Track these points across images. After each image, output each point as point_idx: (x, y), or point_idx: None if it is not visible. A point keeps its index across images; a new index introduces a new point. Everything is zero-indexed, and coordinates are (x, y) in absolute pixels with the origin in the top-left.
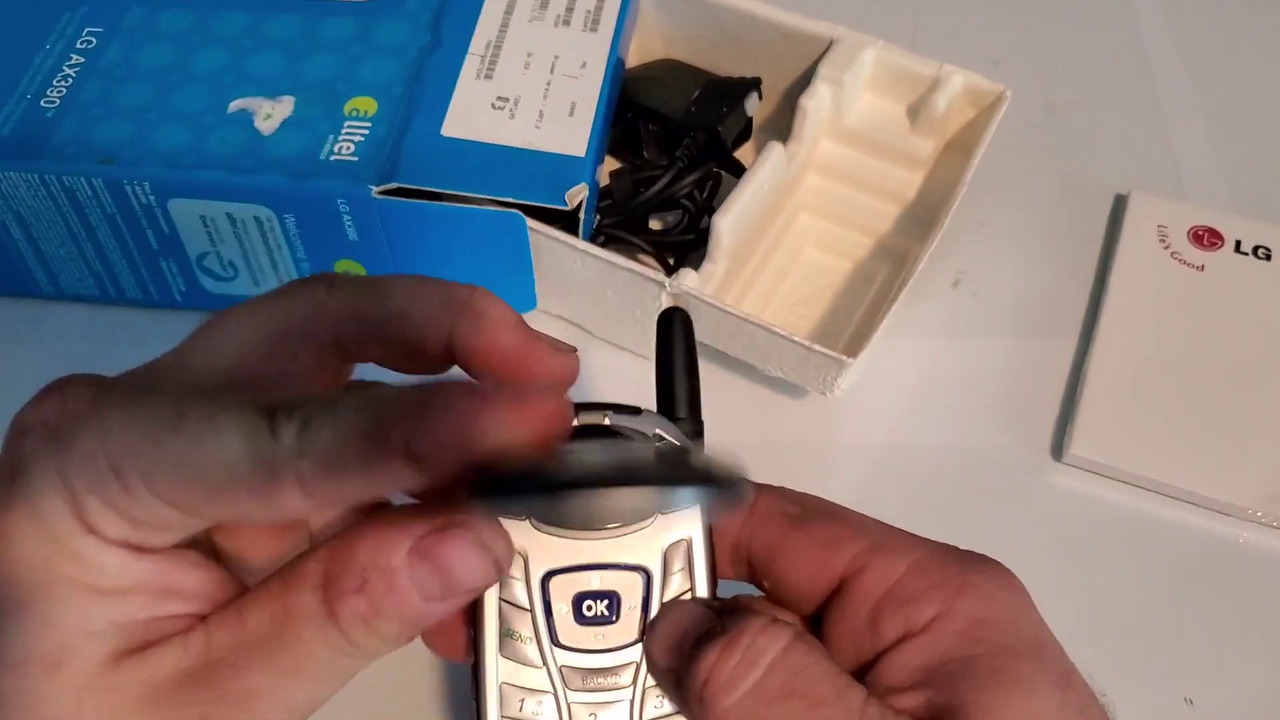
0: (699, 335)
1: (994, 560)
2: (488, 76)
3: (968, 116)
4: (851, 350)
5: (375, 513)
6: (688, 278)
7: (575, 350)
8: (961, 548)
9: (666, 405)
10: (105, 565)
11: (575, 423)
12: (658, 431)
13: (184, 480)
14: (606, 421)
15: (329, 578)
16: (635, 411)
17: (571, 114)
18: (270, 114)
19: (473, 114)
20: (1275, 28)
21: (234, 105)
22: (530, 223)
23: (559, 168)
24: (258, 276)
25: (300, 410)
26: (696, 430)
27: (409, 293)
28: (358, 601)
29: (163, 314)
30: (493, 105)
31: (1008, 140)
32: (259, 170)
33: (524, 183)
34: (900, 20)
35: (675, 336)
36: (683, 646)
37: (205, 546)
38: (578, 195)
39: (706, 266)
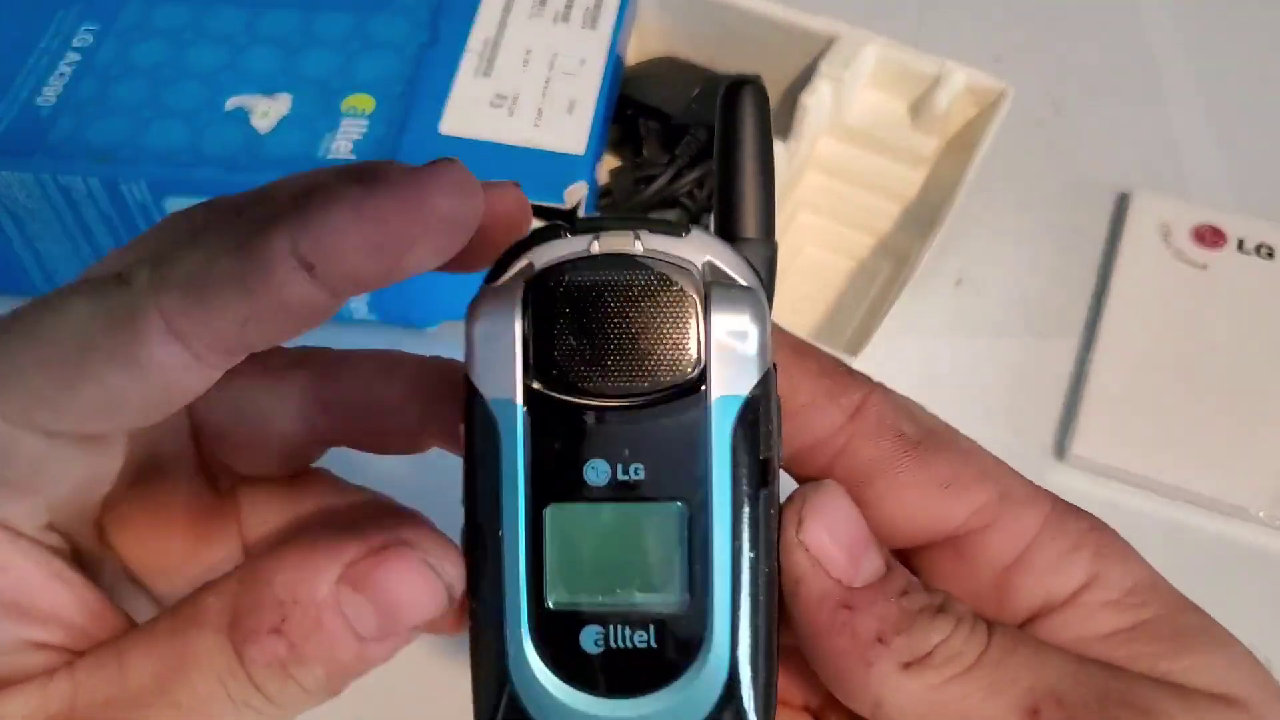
0: None
1: (1097, 517)
2: (486, 74)
3: (970, 114)
4: (853, 348)
5: (298, 536)
6: None
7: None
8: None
9: (728, 219)
10: None
11: (596, 249)
12: (709, 260)
13: (27, 375)
14: (637, 248)
15: (237, 615)
16: (679, 231)
17: (570, 111)
18: (267, 112)
19: (471, 112)
20: (1279, 25)
21: (231, 103)
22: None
23: (557, 166)
24: None
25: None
26: (769, 258)
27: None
28: (274, 644)
29: None
30: (491, 103)
31: (1011, 138)
32: (256, 168)
33: (522, 181)
34: (903, 17)
35: (743, 119)
36: (854, 553)
37: (89, 568)
38: (577, 193)
39: None
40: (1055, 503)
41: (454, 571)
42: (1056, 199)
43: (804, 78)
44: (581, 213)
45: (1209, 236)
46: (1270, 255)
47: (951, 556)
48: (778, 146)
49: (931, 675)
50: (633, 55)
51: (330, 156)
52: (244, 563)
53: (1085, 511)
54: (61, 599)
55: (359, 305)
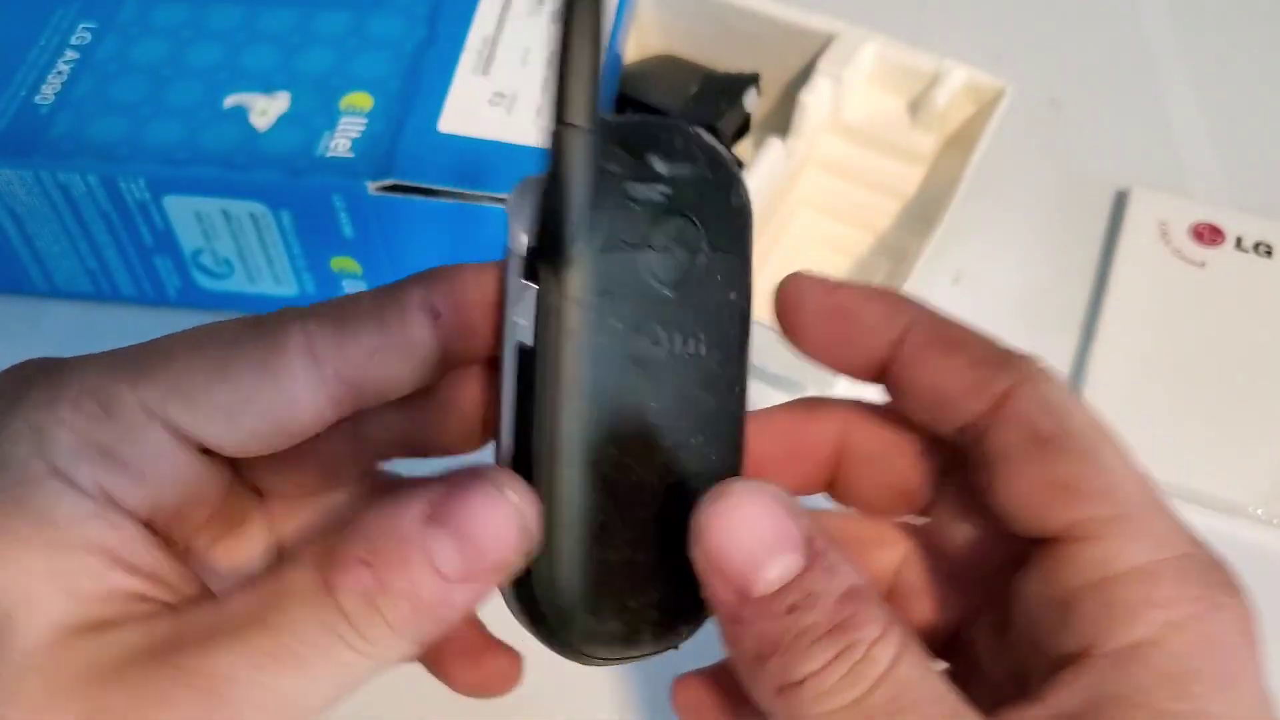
0: None
1: (1237, 590)
2: (484, 72)
3: (968, 112)
4: None
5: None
6: None
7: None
8: (1208, 556)
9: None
10: (66, 516)
11: None
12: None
13: (174, 367)
14: None
15: (329, 551)
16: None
17: None
18: (265, 110)
19: (470, 110)
20: (1278, 24)
21: (229, 101)
22: None
23: None
24: (253, 274)
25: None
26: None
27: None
28: (361, 573)
29: (157, 311)
30: (490, 101)
31: (1009, 136)
32: (254, 166)
33: (520, 178)
34: (903, 14)
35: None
36: (754, 561)
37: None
38: None
39: None
40: (1186, 557)
41: (530, 511)
42: (1055, 196)
43: (803, 76)
44: None
45: (1207, 234)
46: (1269, 253)
47: (1049, 559)
48: (777, 145)
49: (800, 708)
50: (631, 53)
51: (329, 155)
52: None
53: (1216, 573)
54: (163, 565)
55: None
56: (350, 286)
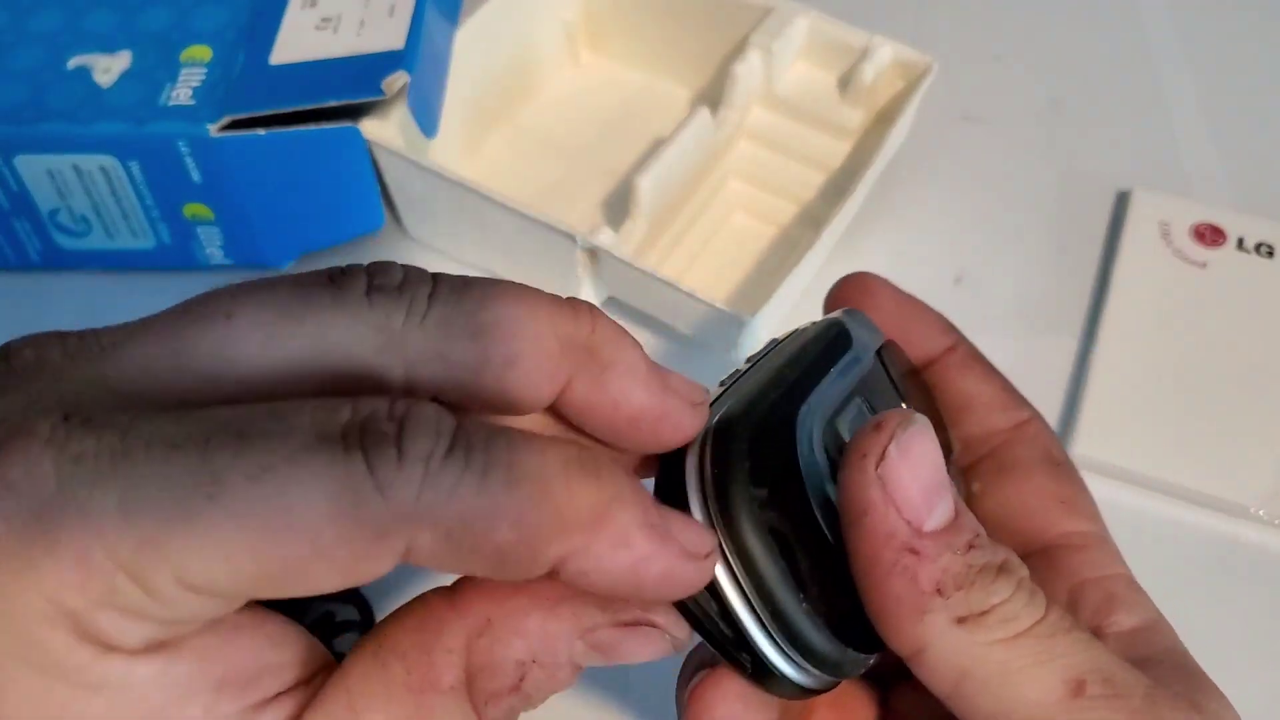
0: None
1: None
2: (311, 4)
3: (897, 88)
4: (754, 308)
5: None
6: (603, 234)
7: (707, 395)
8: None
9: None
10: (135, 684)
11: None
12: None
13: (232, 562)
14: None
15: (475, 675)
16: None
17: (391, 14)
18: (109, 68)
19: (298, 40)
20: (1278, 23)
21: (72, 62)
22: (375, 139)
23: (378, 63)
24: (110, 228)
25: (416, 443)
26: None
27: (516, 332)
28: (511, 700)
29: (21, 275)
30: (316, 27)
31: (1011, 136)
32: (99, 119)
33: (343, 85)
34: (903, 13)
35: None
36: (931, 494)
37: None
38: (395, 82)
39: (626, 225)
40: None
41: (686, 639)
42: (1056, 197)
43: (740, 48)
44: (410, 104)
45: (1209, 235)
46: (1270, 254)
47: (1037, 564)
48: (704, 113)
49: (983, 634)
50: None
51: (171, 104)
52: (470, 614)
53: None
54: (252, 655)
55: (214, 251)
56: (204, 233)
